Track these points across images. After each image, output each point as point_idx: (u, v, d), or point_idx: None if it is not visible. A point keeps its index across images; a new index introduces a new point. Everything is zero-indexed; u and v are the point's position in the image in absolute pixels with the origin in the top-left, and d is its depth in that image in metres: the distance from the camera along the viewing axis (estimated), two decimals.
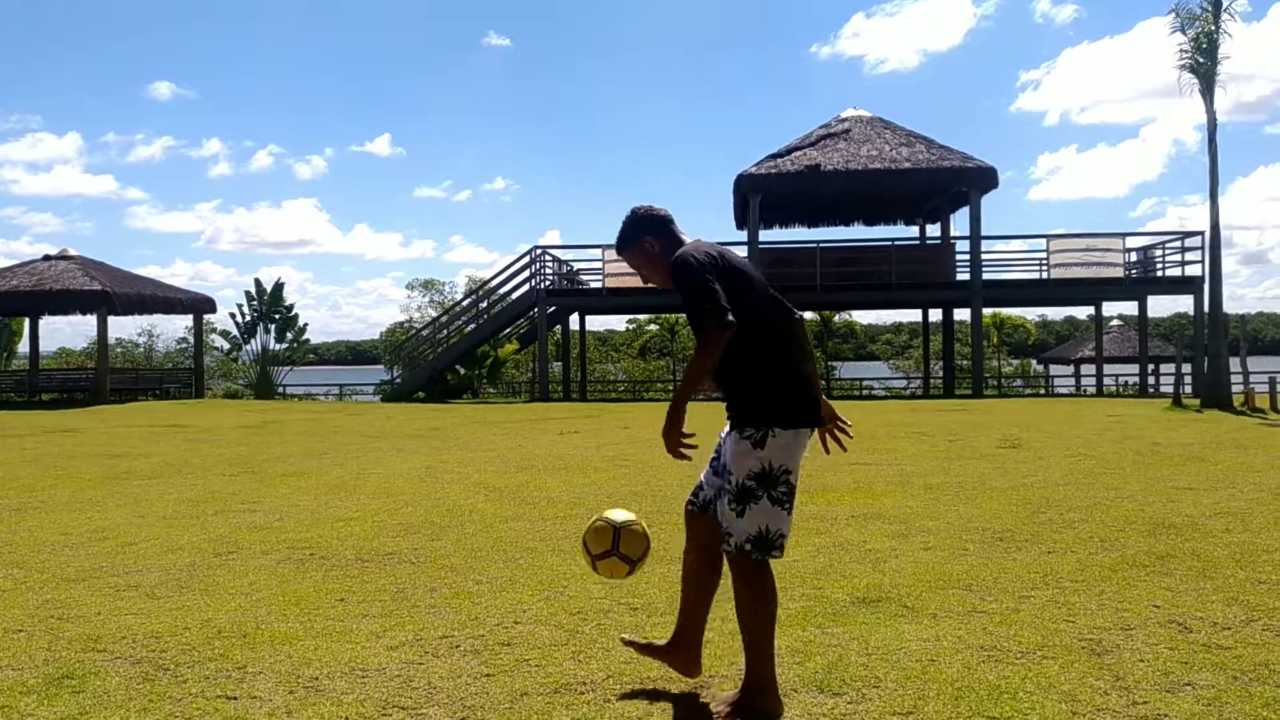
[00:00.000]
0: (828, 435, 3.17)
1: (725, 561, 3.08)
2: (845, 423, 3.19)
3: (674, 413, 2.84)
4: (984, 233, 22.75)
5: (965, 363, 27.32)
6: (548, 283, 24.06)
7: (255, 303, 29.88)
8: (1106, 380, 27.23)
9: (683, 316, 37.45)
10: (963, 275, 23.08)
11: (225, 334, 30.80)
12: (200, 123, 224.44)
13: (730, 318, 2.77)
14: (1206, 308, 18.13)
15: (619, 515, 3.21)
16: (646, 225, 3.15)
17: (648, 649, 3.24)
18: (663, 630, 3.72)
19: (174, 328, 61.47)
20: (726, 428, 3.05)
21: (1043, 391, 31.51)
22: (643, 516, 6.30)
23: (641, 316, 40.69)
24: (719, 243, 3.18)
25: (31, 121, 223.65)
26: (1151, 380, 26.82)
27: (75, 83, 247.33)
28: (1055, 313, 62.17)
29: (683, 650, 3.19)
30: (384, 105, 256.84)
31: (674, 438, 2.84)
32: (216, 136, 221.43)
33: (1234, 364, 17.92)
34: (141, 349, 41.83)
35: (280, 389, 29.99)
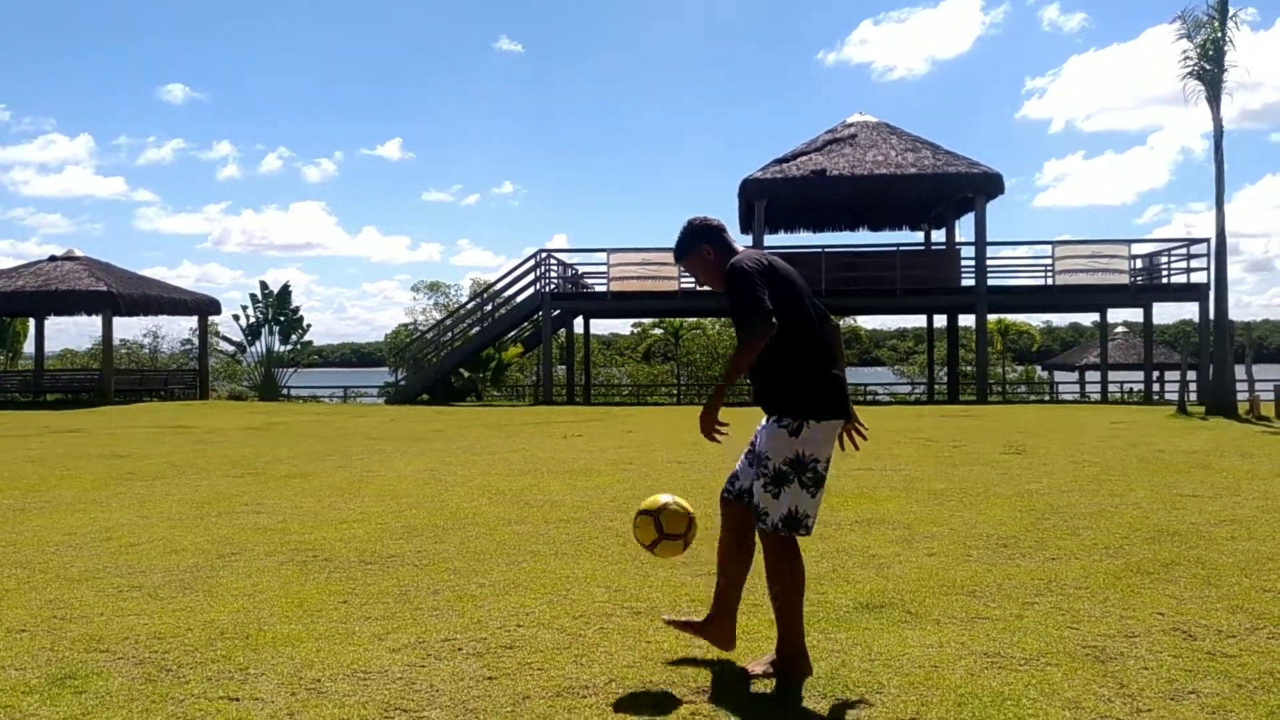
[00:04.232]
0: (844, 434, 3.46)
1: (758, 539, 3.39)
2: (863, 426, 3.51)
3: (714, 401, 3.20)
4: (989, 239, 22.73)
5: (970, 368, 27.24)
6: (552, 286, 24.07)
7: (261, 304, 29.96)
8: (1111, 387, 27.15)
9: (688, 320, 37.66)
10: (968, 281, 23.03)
11: (227, 338, 30.89)
12: (211, 125, 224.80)
13: (774, 321, 3.11)
14: (1212, 315, 18.09)
15: (662, 498, 3.56)
16: (704, 234, 3.48)
17: (686, 626, 3.52)
18: (666, 634, 3.73)
19: (179, 329, 61.58)
20: (763, 421, 3.35)
21: (1047, 398, 31.46)
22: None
23: (646, 320, 40.64)
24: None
25: (45, 124, 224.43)
26: (1156, 387, 26.76)
27: (89, 85, 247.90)
28: (1060, 319, 62.17)
29: (718, 623, 3.44)
30: (395, 109, 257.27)
31: (710, 421, 3.20)
32: (227, 139, 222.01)
33: (1239, 371, 17.88)
34: (146, 350, 41.88)
35: (285, 391, 30.04)
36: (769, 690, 3.17)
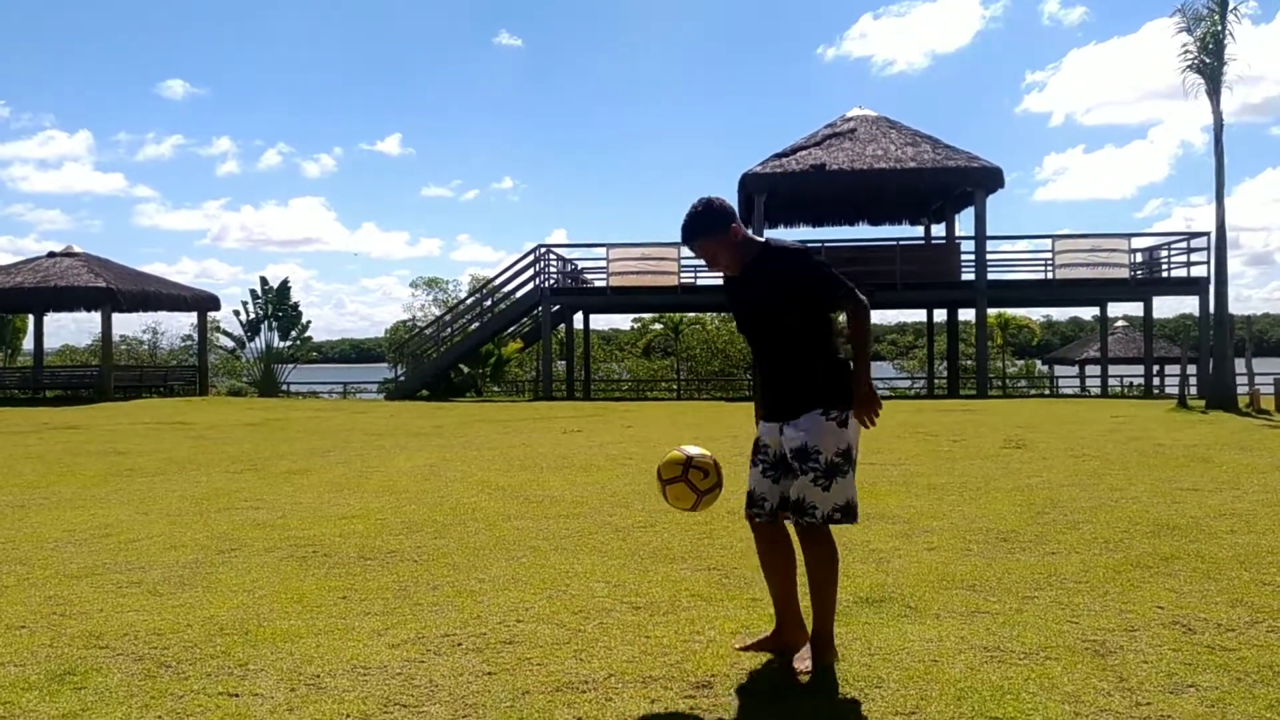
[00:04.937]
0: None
1: (799, 536, 3.34)
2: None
3: (870, 381, 3.24)
4: (989, 233, 22.73)
5: (970, 363, 27.25)
6: (552, 281, 24.08)
7: (260, 300, 29.96)
8: (1111, 381, 27.17)
9: (688, 315, 37.60)
10: (968, 275, 23.03)
11: (227, 333, 30.90)
12: (211, 121, 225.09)
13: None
14: (1212, 309, 18.09)
15: (693, 450, 3.51)
16: (731, 214, 3.42)
17: (759, 645, 3.45)
18: (666, 629, 3.73)
19: (178, 325, 61.68)
20: (779, 424, 3.33)
21: (1047, 392, 31.47)
22: (646, 516, 6.30)
23: (646, 315, 40.61)
24: None
25: (44, 119, 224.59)
26: (1156, 381, 26.77)
27: (89, 81, 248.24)
28: (1060, 313, 61.96)
29: (790, 629, 3.45)
30: (395, 105, 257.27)
31: (878, 407, 3.23)
32: (227, 135, 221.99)
33: (1240, 365, 17.86)
34: (146, 346, 41.92)
35: (284, 387, 30.05)
36: (768, 685, 3.17)
